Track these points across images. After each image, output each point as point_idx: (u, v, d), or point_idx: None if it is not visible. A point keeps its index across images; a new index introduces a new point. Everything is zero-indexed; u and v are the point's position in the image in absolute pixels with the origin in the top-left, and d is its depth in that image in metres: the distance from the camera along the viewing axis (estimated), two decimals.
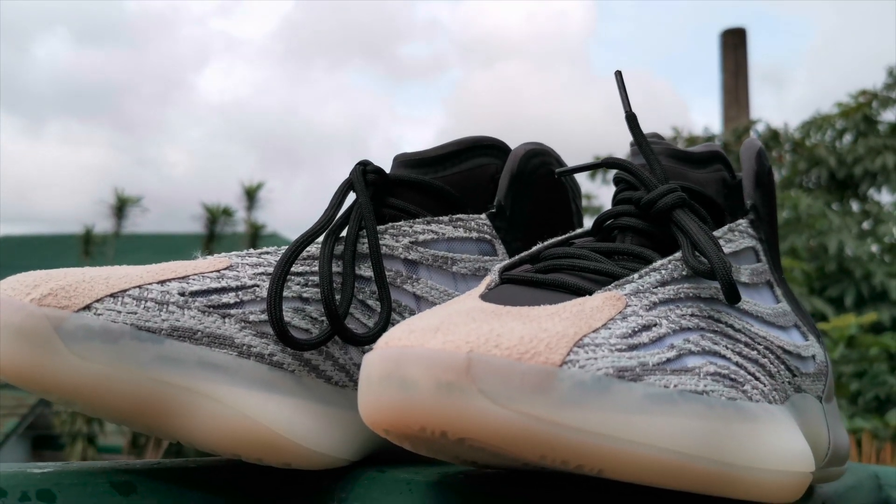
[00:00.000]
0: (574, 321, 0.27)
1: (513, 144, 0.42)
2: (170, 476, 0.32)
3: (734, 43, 6.11)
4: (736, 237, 0.37)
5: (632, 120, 0.37)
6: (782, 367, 0.34)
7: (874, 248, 5.31)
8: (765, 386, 0.31)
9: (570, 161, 0.42)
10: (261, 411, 0.31)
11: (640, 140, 0.37)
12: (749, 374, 0.30)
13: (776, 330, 0.36)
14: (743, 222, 0.38)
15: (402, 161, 0.41)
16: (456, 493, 0.31)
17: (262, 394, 0.31)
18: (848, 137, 6.03)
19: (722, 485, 0.27)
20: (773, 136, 6.04)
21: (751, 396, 0.29)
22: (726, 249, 0.36)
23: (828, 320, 2.99)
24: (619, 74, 0.38)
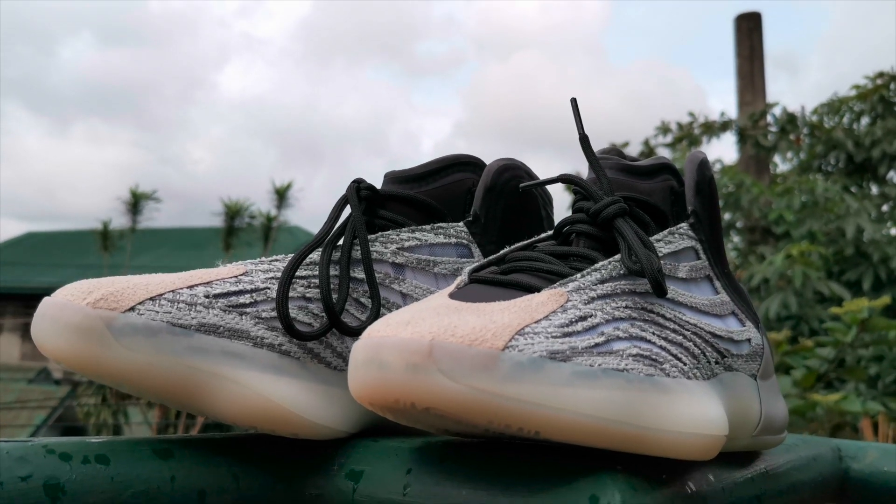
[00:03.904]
0: (520, 314, 0.34)
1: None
2: (201, 445, 0.39)
3: (749, 27, 6.11)
4: (675, 239, 0.44)
5: (584, 141, 0.44)
6: (710, 349, 0.41)
7: (893, 231, 5.31)
8: (685, 365, 0.37)
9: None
10: (273, 391, 0.38)
11: (591, 159, 0.43)
12: (671, 355, 0.37)
13: (710, 318, 0.43)
14: (683, 226, 0.45)
15: (392, 178, 0.48)
16: (433, 457, 0.37)
17: (273, 377, 0.38)
18: (865, 120, 6.01)
19: (640, 444, 0.33)
20: (790, 120, 6.04)
21: (668, 373, 0.35)
22: (665, 249, 0.43)
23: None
24: (573, 102, 0.44)
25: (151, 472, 0.35)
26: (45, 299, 0.37)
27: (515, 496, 0.33)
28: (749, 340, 0.46)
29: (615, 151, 0.48)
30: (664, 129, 6.42)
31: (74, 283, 0.37)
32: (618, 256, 0.39)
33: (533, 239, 0.44)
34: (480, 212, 0.47)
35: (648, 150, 6.38)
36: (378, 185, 0.47)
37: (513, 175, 0.48)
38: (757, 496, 0.45)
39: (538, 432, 0.32)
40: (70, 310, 0.35)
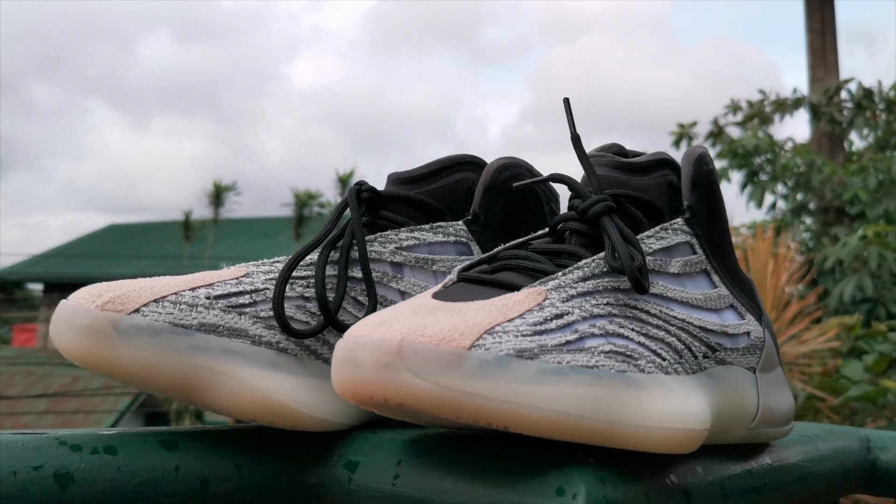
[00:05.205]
0: (493, 313, 0.35)
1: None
2: (206, 437, 0.41)
3: (820, 0, 5.91)
4: (668, 234, 0.44)
5: (575, 140, 0.44)
6: (697, 343, 0.41)
7: None
8: (664, 360, 0.38)
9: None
10: (269, 386, 0.40)
11: (581, 157, 0.44)
12: (650, 350, 0.38)
13: (703, 312, 0.43)
14: (678, 221, 0.45)
15: (394, 179, 0.49)
16: (422, 449, 0.39)
17: (270, 372, 0.40)
18: None
19: (611, 439, 0.35)
20: (867, 95, 5.84)
21: (643, 369, 0.36)
22: (656, 245, 0.43)
23: None
24: (566, 101, 0.45)
25: (157, 462, 0.38)
26: (62, 302, 0.40)
27: (490, 487, 0.35)
28: (748, 334, 0.46)
29: (613, 148, 0.49)
30: (734, 108, 6.28)
31: (87, 287, 0.40)
32: (602, 254, 0.40)
33: (529, 237, 0.45)
34: (480, 210, 0.48)
35: (718, 130, 6.24)
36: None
37: (513, 174, 0.49)
38: (755, 488, 0.45)
39: (507, 427, 0.33)
40: (81, 312, 0.38)
